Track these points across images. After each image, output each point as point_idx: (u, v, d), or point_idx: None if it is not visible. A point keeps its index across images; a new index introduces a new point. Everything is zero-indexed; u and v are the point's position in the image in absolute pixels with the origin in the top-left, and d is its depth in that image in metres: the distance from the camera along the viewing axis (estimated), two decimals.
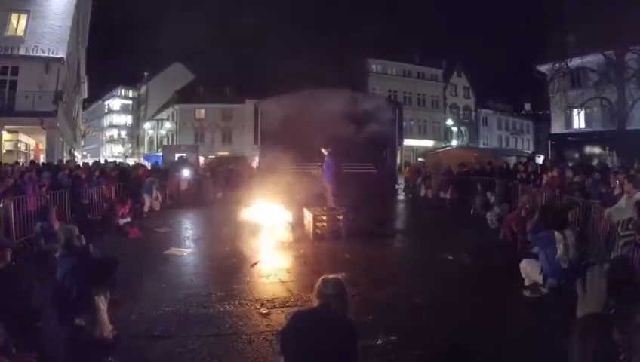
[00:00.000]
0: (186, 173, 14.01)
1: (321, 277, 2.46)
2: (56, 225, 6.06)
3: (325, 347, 2.11)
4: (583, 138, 18.76)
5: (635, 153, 10.10)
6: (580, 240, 6.20)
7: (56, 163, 12.22)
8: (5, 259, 3.56)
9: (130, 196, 9.74)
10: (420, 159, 24.51)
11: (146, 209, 10.70)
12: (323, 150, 8.84)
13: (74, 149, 23.75)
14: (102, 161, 18.23)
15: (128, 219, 8.81)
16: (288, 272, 5.65)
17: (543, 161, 14.90)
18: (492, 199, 9.18)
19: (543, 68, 20.02)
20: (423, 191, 14.68)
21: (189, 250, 7.00)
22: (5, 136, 15.95)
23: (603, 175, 7.79)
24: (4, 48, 15.42)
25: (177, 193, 13.10)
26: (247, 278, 5.34)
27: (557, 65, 18.36)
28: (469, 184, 12.17)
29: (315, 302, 2.39)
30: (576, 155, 16.80)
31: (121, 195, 9.85)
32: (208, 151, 33.70)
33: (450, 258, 6.29)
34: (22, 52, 15.61)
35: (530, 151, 39.18)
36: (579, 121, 20.43)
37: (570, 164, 10.99)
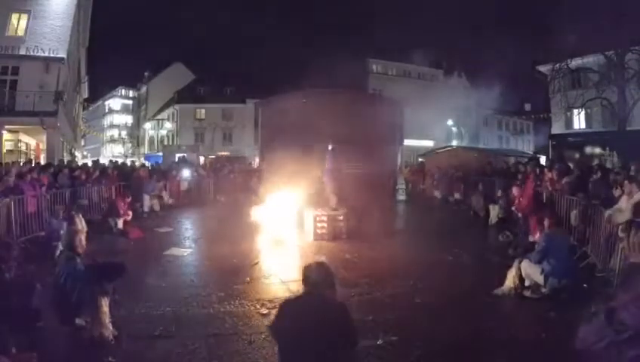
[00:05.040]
0: (186, 173, 14.03)
1: (305, 265, 2.44)
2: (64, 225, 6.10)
3: (313, 333, 2.09)
4: (584, 138, 18.69)
5: (636, 154, 10.07)
6: (580, 240, 6.23)
7: (56, 163, 12.21)
8: (7, 258, 3.56)
9: (129, 194, 9.72)
10: (420, 159, 24.46)
11: (146, 209, 10.72)
12: (329, 146, 8.83)
13: (74, 149, 23.74)
14: (102, 161, 18.20)
15: (128, 217, 8.75)
16: (288, 272, 5.65)
17: (545, 161, 14.90)
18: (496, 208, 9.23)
19: (544, 68, 20.01)
20: (435, 192, 14.73)
21: (189, 250, 7.00)
22: (6, 135, 15.92)
23: (604, 175, 7.76)
24: (5, 48, 15.39)
25: (177, 193, 13.11)
26: (248, 278, 5.33)
27: (557, 65, 18.36)
28: (471, 185, 12.19)
29: (302, 289, 2.38)
30: (577, 155, 16.78)
31: (121, 193, 9.83)
32: (208, 151, 33.70)
33: (451, 258, 6.29)
34: (22, 52, 15.58)
35: (531, 152, 39.10)
36: (579, 121, 20.41)
37: (570, 164, 10.96)
